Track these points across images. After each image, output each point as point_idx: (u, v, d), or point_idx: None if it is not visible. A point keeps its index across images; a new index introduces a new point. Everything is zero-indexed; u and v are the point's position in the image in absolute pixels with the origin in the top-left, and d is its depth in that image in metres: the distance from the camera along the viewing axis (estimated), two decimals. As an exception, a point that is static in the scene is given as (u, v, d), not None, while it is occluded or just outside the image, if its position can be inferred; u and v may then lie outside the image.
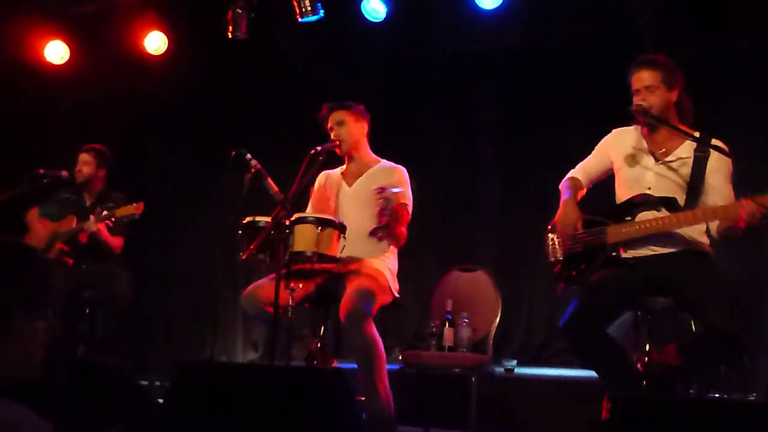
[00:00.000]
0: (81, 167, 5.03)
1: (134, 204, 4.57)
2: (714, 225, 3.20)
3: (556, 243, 3.48)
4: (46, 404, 1.31)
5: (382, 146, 4.20)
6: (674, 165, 3.28)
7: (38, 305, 1.39)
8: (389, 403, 3.55)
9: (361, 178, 4.03)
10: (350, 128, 3.99)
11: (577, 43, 5.52)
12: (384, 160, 4.09)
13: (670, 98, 3.28)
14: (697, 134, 3.26)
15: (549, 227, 3.52)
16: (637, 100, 3.30)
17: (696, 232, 3.26)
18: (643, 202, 3.28)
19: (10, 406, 1.25)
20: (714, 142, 3.23)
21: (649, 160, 3.34)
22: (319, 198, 4.14)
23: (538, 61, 5.78)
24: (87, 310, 4.79)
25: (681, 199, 3.23)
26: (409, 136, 6.29)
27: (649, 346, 3.22)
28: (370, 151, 4.11)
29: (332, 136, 3.98)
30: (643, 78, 3.28)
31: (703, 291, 3.05)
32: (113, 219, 4.59)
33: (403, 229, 3.81)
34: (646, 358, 3.20)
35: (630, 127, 3.47)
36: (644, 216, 3.25)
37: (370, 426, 3.44)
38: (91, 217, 4.65)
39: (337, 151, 3.98)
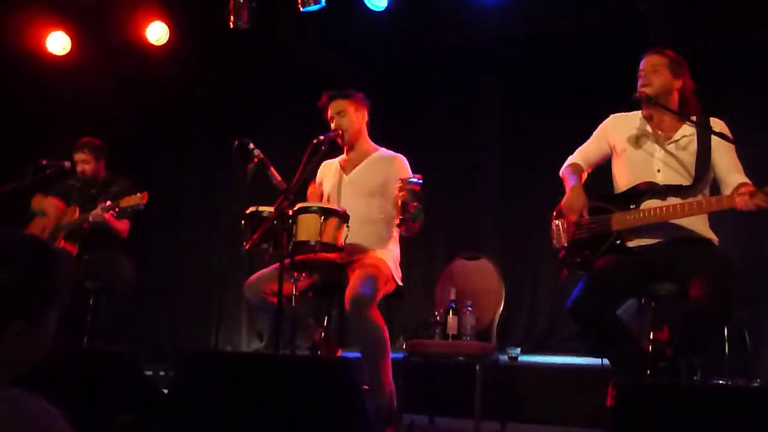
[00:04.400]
0: (82, 168, 5.00)
1: (138, 194, 4.56)
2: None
3: (561, 229, 3.47)
4: (53, 395, 1.31)
5: (384, 135, 4.18)
6: (681, 143, 3.31)
7: (62, 299, 1.45)
8: (392, 394, 3.55)
9: (359, 166, 3.99)
10: (351, 117, 3.93)
11: (578, 32, 5.50)
12: (383, 149, 4.05)
13: (674, 84, 3.33)
14: (694, 118, 3.29)
15: (554, 213, 3.52)
16: (640, 83, 3.34)
17: (698, 220, 3.25)
18: (648, 190, 3.28)
19: (25, 396, 1.27)
20: (712, 122, 3.27)
21: (654, 143, 3.36)
22: (316, 189, 4.13)
23: (540, 50, 5.76)
24: (90, 301, 4.79)
25: (689, 179, 3.23)
26: (411, 125, 6.28)
27: (654, 333, 3.21)
28: (369, 140, 4.06)
29: (333, 126, 3.93)
30: (651, 60, 3.35)
31: (697, 270, 3.06)
32: (117, 209, 4.58)
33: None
34: (651, 346, 3.20)
35: (631, 112, 3.49)
36: (649, 204, 3.25)
37: (375, 418, 3.43)
38: (98, 207, 4.64)
39: (339, 141, 3.94)
